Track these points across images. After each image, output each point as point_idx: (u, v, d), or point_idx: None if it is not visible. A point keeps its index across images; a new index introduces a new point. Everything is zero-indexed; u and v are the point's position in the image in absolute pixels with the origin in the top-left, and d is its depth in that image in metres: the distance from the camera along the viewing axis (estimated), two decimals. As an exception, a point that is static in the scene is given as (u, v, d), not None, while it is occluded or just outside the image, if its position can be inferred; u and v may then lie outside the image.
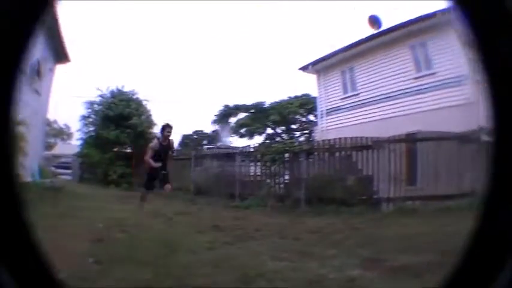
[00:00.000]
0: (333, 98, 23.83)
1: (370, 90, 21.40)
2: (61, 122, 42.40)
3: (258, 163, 17.39)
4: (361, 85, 22.10)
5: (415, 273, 5.51)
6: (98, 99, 23.83)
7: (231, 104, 33.03)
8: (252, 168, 17.87)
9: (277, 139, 29.38)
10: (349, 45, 21.99)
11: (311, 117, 29.86)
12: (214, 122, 34.50)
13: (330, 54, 23.32)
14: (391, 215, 11.95)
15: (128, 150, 23.25)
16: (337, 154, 15.64)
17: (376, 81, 21.09)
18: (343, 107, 22.95)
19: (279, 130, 32.18)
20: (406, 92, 19.38)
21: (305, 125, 31.23)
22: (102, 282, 4.84)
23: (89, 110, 23.76)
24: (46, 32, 15.13)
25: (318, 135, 23.73)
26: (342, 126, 21.55)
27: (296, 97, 31.31)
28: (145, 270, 5.17)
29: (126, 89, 24.10)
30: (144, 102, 24.06)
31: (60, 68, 20.06)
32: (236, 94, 50.20)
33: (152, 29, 49.36)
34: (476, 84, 16.48)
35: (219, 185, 17.08)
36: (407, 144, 14.17)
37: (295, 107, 30.72)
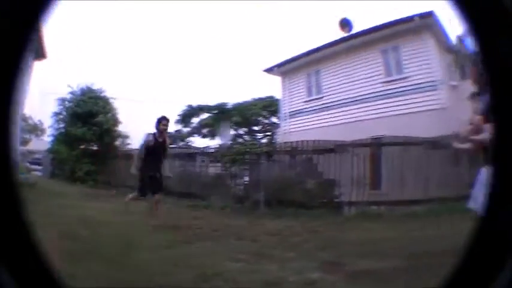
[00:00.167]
0: (296, 100, 23.83)
1: (335, 94, 21.43)
2: (36, 118, 41.87)
3: (219, 164, 17.31)
4: (327, 88, 22.10)
5: (377, 278, 5.51)
6: (69, 96, 23.71)
7: (195, 104, 33.26)
8: (213, 169, 17.83)
9: (240, 140, 29.31)
10: (317, 48, 22.04)
11: (274, 120, 29.81)
12: (178, 121, 34.20)
13: (296, 56, 23.37)
14: (353, 219, 11.83)
15: (94, 148, 22.98)
16: (298, 157, 15.58)
17: (342, 84, 21.12)
18: (307, 109, 22.95)
19: (241, 131, 32.09)
20: (375, 96, 19.45)
21: (267, 127, 31.24)
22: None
23: (61, 107, 23.55)
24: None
25: (280, 138, 23.67)
26: (305, 129, 21.55)
27: (260, 99, 31.45)
28: (106, 268, 5.11)
29: (95, 87, 23.92)
30: (111, 100, 23.89)
31: (37, 64, 19.64)
32: (201, 94, 49.92)
33: (120, 29, 48.48)
34: (450, 90, 16.72)
35: (181, 185, 16.81)
36: (371, 148, 14.17)
37: (258, 108, 30.90)
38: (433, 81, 17.41)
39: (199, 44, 49.33)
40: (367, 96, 19.75)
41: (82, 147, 22.42)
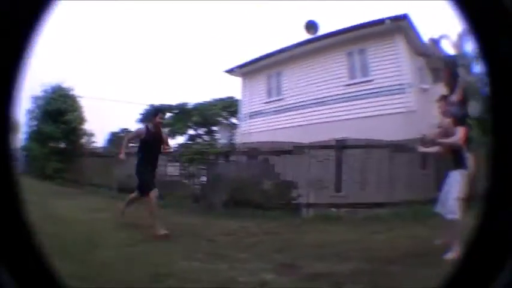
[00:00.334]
0: (256, 101, 23.78)
1: (296, 95, 21.43)
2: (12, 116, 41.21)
3: (177, 163, 17.42)
4: (287, 90, 22.11)
5: (333, 281, 5.50)
6: (41, 94, 23.72)
7: (157, 103, 31.82)
8: (172, 168, 17.89)
9: (199, 140, 29.42)
10: (279, 50, 21.99)
11: (234, 120, 29.86)
12: (140, 120, 33.44)
13: (258, 58, 23.34)
14: (312, 221, 11.71)
15: (62, 146, 23.05)
16: (256, 158, 15.58)
17: (303, 86, 21.07)
18: (266, 111, 22.94)
19: (200, 131, 32.02)
20: (337, 99, 19.43)
21: (228, 127, 30.85)
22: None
23: (34, 105, 23.58)
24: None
25: (239, 138, 23.76)
26: (265, 130, 21.54)
27: (220, 99, 31.63)
28: (66, 265, 4.94)
29: (64, 85, 23.86)
30: (78, 99, 23.95)
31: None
32: (164, 94, 49.65)
33: (83, 27, 47.72)
34: (420, 93, 16.90)
35: None
36: (332, 150, 14.11)
37: (218, 109, 31.01)
38: (401, 84, 17.47)
39: (163, 43, 49.07)
40: (329, 98, 19.75)
41: (51, 145, 22.51)
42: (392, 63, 18.03)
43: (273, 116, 22.33)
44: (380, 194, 12.70)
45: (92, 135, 23.50)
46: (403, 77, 17.57)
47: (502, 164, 1.58)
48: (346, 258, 6.50)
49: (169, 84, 46.89)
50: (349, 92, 19.16)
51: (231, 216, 11.81)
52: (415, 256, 6.29)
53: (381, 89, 18.04)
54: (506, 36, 1.48)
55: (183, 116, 31.58)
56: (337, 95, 19.47)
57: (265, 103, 23.20)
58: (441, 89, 7.93)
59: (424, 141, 7.67)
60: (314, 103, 20.22)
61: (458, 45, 25.57)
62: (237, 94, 26.64)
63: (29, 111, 23.29)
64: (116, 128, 34.35)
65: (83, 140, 23.18)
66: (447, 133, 6.70)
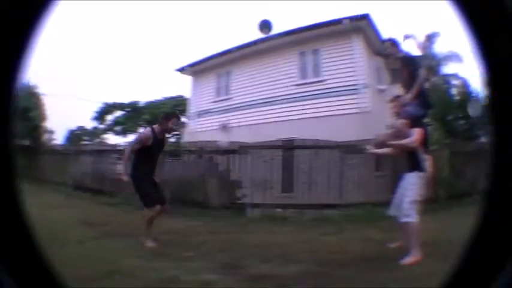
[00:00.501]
0: (204, 100, 23.88)
1: (245, 95, 21.48)
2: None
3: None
4: (236, 89, 22.19)
5: (278, 283, 5.49)
6: None
7: (110, 101, 33.89)
8: (121, 166, 17.42)
9: None
10: (229, 49, 22.06)
11: (183, 119, 29.84)
12: (94, 118, 34.66)
13: (209, 57, 23.40)
14: (258, 221, 11.62)
15: (26, 143, 22.73)
16: (203, 157, 15.41)
17: (253, 85, 21.15)
18: (215, 110, 22.99)
19: None
20: (288, 98, 19.43)
21: (176, 126, 31.12)
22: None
23: None
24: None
25: (187, 137, 23.58)
26: (212, 129, 21.29)
27: (171, 98, 32.27)
28: None
29: (31, 83, 23.73)
30: (41, 96, 23.95)
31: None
32: (118, 92, 49.44)
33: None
34: (376, 94, 16.98)
35: (93, 181, 17.02)
36: (280, 150, 14.07)
37: (168, 107, 30.74)
38: (355, 84, 17.55)
39: (118, 41, 48.77)
40: (278, 98, 19.76)
41: (17, 142, 22.40)
42: (347, 64, 18.12)
43: (220, 115, 22.22)
44: (330, 195, 12.76)
45: (52, 132, 23.75)
46: (358, 77, 17.65)
47: (502, 164, 1.60)
48: (292, 260, 6.46)
49: (123, 82, 46.84)
50: (300, 92, 19.21)
51: (177, 215, 11.57)
52: (368, 259, 6.27)
53: (334, 89, 18.08)
54: (506, 36, 1.50)
55: (135, 114, 32.25)
56: (287, 94, 19.49)
57: (213, 102, 23.27)
58: (399, 90, 7.87)
59: (375, 142, 7.58)
60: (263, 102, 20.26)
61: (426, 46, 25.86)
62: (188, 93, 26.86)
63: None
64: (73, 126, 34.99)
65: (44, 138, 23.24)
66: (400, 134, 6.61)
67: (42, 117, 23.30)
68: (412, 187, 6.19)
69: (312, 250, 7.26)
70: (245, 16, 35.11)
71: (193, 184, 14.01)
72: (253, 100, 20.79)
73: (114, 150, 18.33)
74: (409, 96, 6.94)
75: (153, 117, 29.99)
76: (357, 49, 18.05)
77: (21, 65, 1.62)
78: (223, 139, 14.55)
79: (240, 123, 20.13)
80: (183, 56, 45.31)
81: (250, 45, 21.10)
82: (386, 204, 6.87)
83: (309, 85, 19.12)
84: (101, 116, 34.52)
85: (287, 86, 19.68)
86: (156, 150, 8.24)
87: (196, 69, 24.49)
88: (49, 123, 23.42)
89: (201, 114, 23.91)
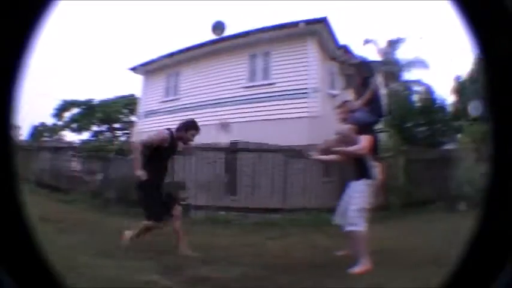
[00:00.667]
0: (153, 100, 23.77)
1: (192, 96, 21.38)
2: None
3: (80, 159, 17.41)
4: (185, 90, 22.12)
5: (218, 286, 5.45)
6: None
7: (68, 98, 33.35)
8: (75, 164, 17.77)
9: (101, 137, 29.77)
10: (182, 49, 22.00)
11: (133, 118, 29.84)
12: (54, 115, 34.03)
13: (160, 57, 23.23)
14: (200, 223, 11.48)
15: None
16: None
17: (201, 87, 21.03)
18: (162, 110, 22.82)
19: (103, 128, 32.53)
20: (234, 101, 19.37)
21: (127, 126, 31.62)
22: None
23: None
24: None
25: (135, 137, 23.09)
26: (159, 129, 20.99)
27: (123, 97, 31.90)
28: None
29: None
30: None
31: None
32: (77, 89, 48.71)
33: None
34: (328, 99, 16.98)
35: (51, 178, 16.76)
36: (225, 152, 14.00)
37: (119, 106, 31.33)
38: (305, 88, 17.44)
39: (78, 37, 48.26)
40: (225, 100, 19.67)
41: None
42: (299, 67, 18.00)
43: (168, 116, 21.90)
44: (273, 199, 12.80)
45: (19, 128, 22.43)
46: (309, 81, 17.55)
47: (502, 164, 1.59)
48: (234, 263, 6.37)
49: (81, 79, 46.34)
50: (247, 95, 19.11)
51: (124, 214, 11.63)
52: (314, 266, 6.19)
53: (283, 93, 17.98)
54: (506, 36, 1.50)
55: (89, 112, 31.87)
56: (234, 97, 19.40)
57: (161, 102, 23.13)
58: (351, 96, 7.82)
59: (320, 148, 7.47)
60: (210, 104, 20.07)
61: (387, 51, 26.01)
62: (139, 92, 26.73)
63: None
64: (36, 122, 34.64)
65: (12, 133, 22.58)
66: (347, 140, 6.52)
67: None
68: (358, 195, 6.06)
69: (255, 254, 7.18)
70: (201, 16, 34.98)
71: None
72: (201, 101, 20.63)
73: (70, 147, 18.37)
74: (358, 103, 6.88)
75: (106, 115, 30.84)
76: (310, 53, 17.93)
77: (21, 65, 1.62)
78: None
79: None
80: (138, 55, 45.15)
81: (201, 46, 21.02)
82: (334, 210, 6.77)
83: (257, 88, 18.99)
84: (59, 112, 34.07)
85: (235, 88, 19.58)
86: (166, 156, 7.67)
87: (148, 69, 24.34)
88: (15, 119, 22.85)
89: (149, 114, 23.75)
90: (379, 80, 9.77)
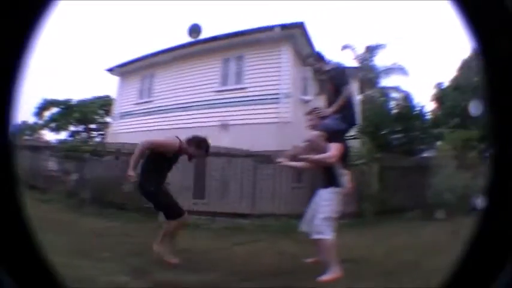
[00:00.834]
0: (127, 102, 23.61)
1: (165, 99, 21.32)
2: None
3: (57, 159, 17.29)
4: (158, 92, 22.05)
5: None
6: None
7: (48, 98, 33.07)
8: (52, 163, 17.67)
9: (77, 137, 29.37)
10: (157, 51, 21.86)
11: (108, 119, 29.94)
12: (35, 114, 33.71)
13: (136, 58, 23.18)
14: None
15: None
16: (120, 158, 15.14)
17: (174, 90, 20.97)
18: (136, 112, 22.76)
19: (80, 128, 32.46)
20: (205, 104, 19.24)
21: (102, 126, 31.60)
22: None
23: None
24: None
25: (109, 138, 23.44)
26: (132, 132, 21.15)
27: (99, 97, 32.02)
28: None
29: None
30: None
31: None
32: (58, 88, 48.35)
33: None
34: (300, 104, 16.91)
35: (29, 177, 16.17)
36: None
37: (95, 107, 31.31)
38: (277, 93, 17.40)
39: (62, 36, 47.89)
40: (197, 103, 19.57)
41: None
42: (272, 72, 17.95)
43: (141, 118, 22.10)
44: (242, 204, 12.73)
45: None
46: (281, 86, 17.48)
47: (502, 164, 1.58)
48: (201, 268, 6.36)
49: (62, 78, 46.16)
50: (219, 99, 19.02)
51: (96, 215, 11.85)
52: (282, 273, 6.11)
53: (254, 98, 17.92)
54: (506, 36, 1.49)
55: (67, 111, 31.73)
56: (206, 100, 19.31)
57: (135, 104, 23.01)
58: (323, 102, 7.69)
59: (289, 154, 7.33)
60: (182, 107, 20.06)
61: (365, 58, 25.99)
62: (114, 94, 26.56)
63: None
64: (18, 120, 34.14)
65: None
66: (316, 148, 6.39)
67: None
68: (326, 203, 5.90)
69: (223, 259, 7.13)
70: (179, 19, 34.91)
71: (111, 185, 13.65)
72: (174, 104, 20.62)
73: (49, 147, 18.39)
74: (330, 110, 6.75)
75: (83, 115, 30.85)
76: (284, 58, 17.86)
77: (21, 65, 1.61)
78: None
79: (159, 127, 19.89)
80: (117, 56, 45.10)
81: (176, 49, 20.96)
82: (303, 216, 6.70)
83: (229, 92, 18.93)
84: (40, 111, 33.75)
85: (206, 92, 19.51)
86: (168, 165, 7.37)
87: (124, 70, 24.19)
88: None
89: (123, 115, 23.59)
90: (353, 86, 9.71)
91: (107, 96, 30.48)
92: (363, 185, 11.74)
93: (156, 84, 22.18)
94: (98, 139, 29.13)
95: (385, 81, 25.76)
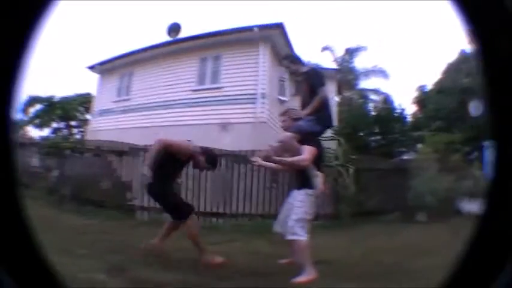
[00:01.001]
0: (106, 99, 23.69)
1: (143, 97, 21.40)
2: None
3: (39, 155, 17.26)
4: (136, 91, 22.12)
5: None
6: None
7: (33, 94, 32.29)
8: (35, 160, 17.53)
9: (59, 134, 29.06)
10: (136, 50, 21.94)
11: (88, 116, 30.06)
12: (21, 110, 32.12)
13: (116, 56, 23.26)
14: (146, 224, 11.35)
15: None
16: (98, 156, 15.29)
17: (151, 88, 21.03)
18: (114, 110, 22.92)
19: (62, 125, 31.90)
20: (182, 103, 19.40)
21: (82, 124, 31.37)
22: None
23: None
24: None
25: (88, 135, 23.47)
26: (111, 129, 21.32)
27: (80, 95, 31.81)
28: None
29: None
30: None
31: None
32: (42, 84, 48.19)
33: None
34: (277, 104, 16.87)
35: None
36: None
37: (76, 104, 31.07)
38: (252, 93, 17.50)
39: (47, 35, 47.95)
40: (174, 102, 19.71)
41: None
42: (249, 72, 18.05)
43: (119, 116, 22.31)
44: (216, 203, 12.64)
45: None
46: (257, 86, 17.58)
47: (502, 164, 1.60)
48: (175, 267, 6.34)
49: (47, 75, 46.04)
50: (195, 98, 19.14)
51: (76, 212, 11.87)
52: (256, 274, 6.07)
53: (230, 97, 18.05)
54: (506, 36, 1.50)
55: (50, 108, 31.43)
56: (183, 99, 19.44)
57: (113, 102, 23.08)
58: (297, 103, 7.62)
59: (261, 154, 7.24)
60: (159, 106, 20.14)
61: (344, 59, 25.96)
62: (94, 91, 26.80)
63: None
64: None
65: None
66: (288, 149, 6.31)
67: None
68: (299, 204, 5.88)
69: (197, 258, 6.87)
70: (159, 18, 34.94)
71: (89, 182, 13.94)
72: (151, 102, 20.67)
73: (32, 143, 18.18)
74: (304, 111, 6.67)
75: (65, 112, 30.45)
76: (262, 58, 17.96)
77: (21, 65, 1.61)
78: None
79: (136, 125, 20.08)
80: (99, 54, 45.22)
81: (154, 48, 21.04)
82: (277, 217, 6.64)
83: (206, 91, 19.03)
84: (25, 108, 32.77)
85: (183, 91, 19.61)
86: (179, 168, 7.37)
87: (104, 68, 24.26)
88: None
89: (102, 113, 23.80)
90: (330, 88, 9.65)
91: (88, 94, 30.46)
92: (339, 187, 11.70)
93: (134, 83, 22.30)
94: (78, 136, 28.84)
95: (365, 84, 25.78)
